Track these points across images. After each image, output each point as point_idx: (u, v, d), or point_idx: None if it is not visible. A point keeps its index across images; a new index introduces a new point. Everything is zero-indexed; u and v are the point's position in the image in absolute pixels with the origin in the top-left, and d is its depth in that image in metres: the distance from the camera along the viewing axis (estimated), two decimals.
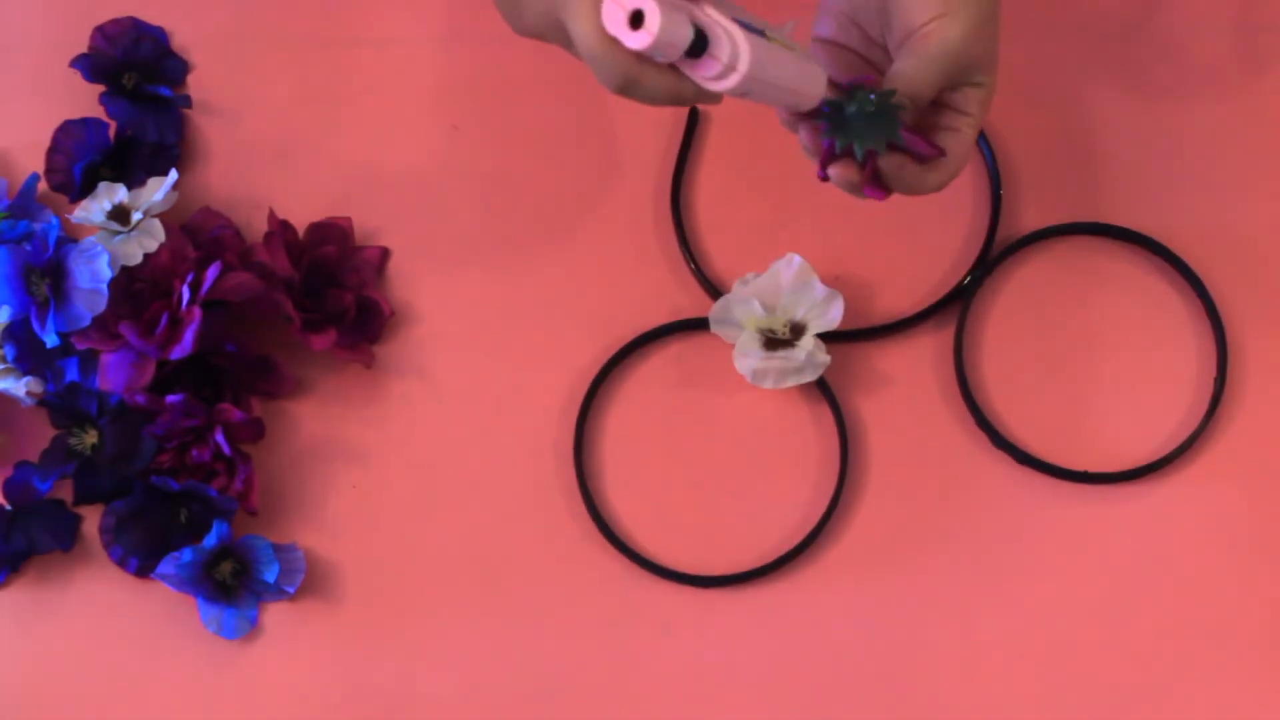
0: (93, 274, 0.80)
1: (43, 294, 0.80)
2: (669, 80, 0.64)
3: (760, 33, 0.64)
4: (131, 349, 0.81)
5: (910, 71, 0.70)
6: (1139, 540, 0.83)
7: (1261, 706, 0.81)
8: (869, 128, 0.69)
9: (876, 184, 0.71)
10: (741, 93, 0.64)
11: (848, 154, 0.70)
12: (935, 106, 0.72)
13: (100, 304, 0.80)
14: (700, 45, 0.63)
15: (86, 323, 0.80)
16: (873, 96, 0.69)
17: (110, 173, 0.88)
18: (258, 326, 0.86)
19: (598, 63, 0.63)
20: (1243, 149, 0.89)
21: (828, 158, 0.71)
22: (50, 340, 0.80)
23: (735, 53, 0.63)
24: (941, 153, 0.71)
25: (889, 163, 0.70)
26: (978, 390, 0.85)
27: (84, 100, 0.89)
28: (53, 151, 0.88)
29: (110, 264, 0.80)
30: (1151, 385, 0.85)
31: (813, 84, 0.68)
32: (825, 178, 0.72)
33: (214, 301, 0.81)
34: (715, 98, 0.65)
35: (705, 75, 0.63)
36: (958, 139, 0.72)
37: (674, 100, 0.65)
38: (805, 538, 0.83)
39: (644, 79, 0.63)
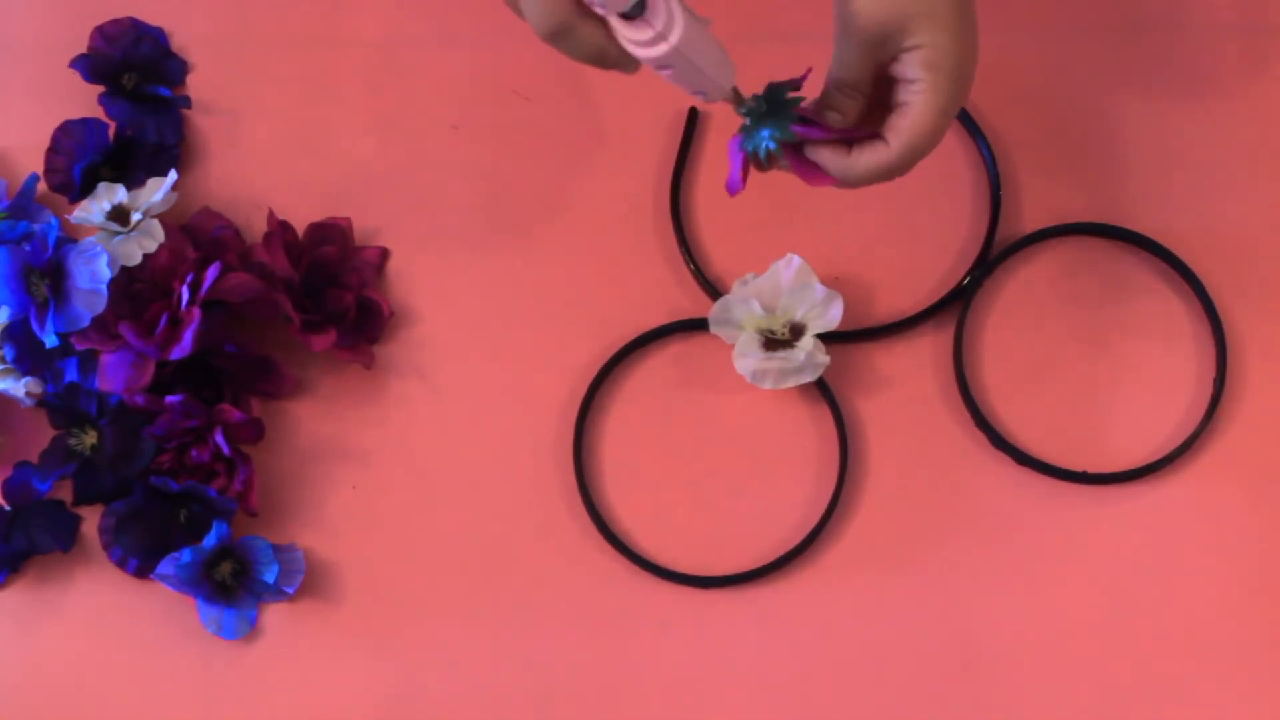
0: (92, 274, 0.80)
1: (42, 294, 0.80)
2: (598, 37, 0.65)
3: (695, 18, 0.66)
4: (131, 349, 0.81)
5: (835, 56, 0.69)
6: (1139, 540, 0.83)
7: (1261, 706, 0.81)
8: (766, 127, 0.69)
9: (813, 173, 0.71)
10: (662, 65, 0.66)
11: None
12: (889, 83, 0.70)
13: (100, 304, 0.80)
14: (640, 7, 0.65)
15: (86, 323, 0.80)
16: (762, 94, 0.69)
17: (110, 173, 0.88)
18: (258, 327, 0.86)
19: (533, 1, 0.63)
20: (1243, 149, 0.89)
21: (743, 164, 0.71)
22: (50, 341, 0.80)
23: (670, 23, 0.65)
24: (840, 130, 0.70)
25: (817, 153, 0.70)
26: (977, 390, 0.85)
27: (84, 100, 0.89)
28: (52, 152, 0.88)
29: (110, 264, 0.80)
30: (1151, 385, 0.85)
31: (726, 75, 0.69)
32: (737, 187, 0.71)
33: (214, 302, 0.81)
34: (634, 66, 0.66)
35: (636, 39, 0.65)
36: (904, 112, 0.69)
37: (597, 59, 0.66)
38: (805, 538, 0.83)
39: (577, 29, 0.64)
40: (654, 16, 0.65)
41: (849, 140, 0.70)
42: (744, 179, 0.71)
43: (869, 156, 0.69)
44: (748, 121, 0.70)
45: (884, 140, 0.69)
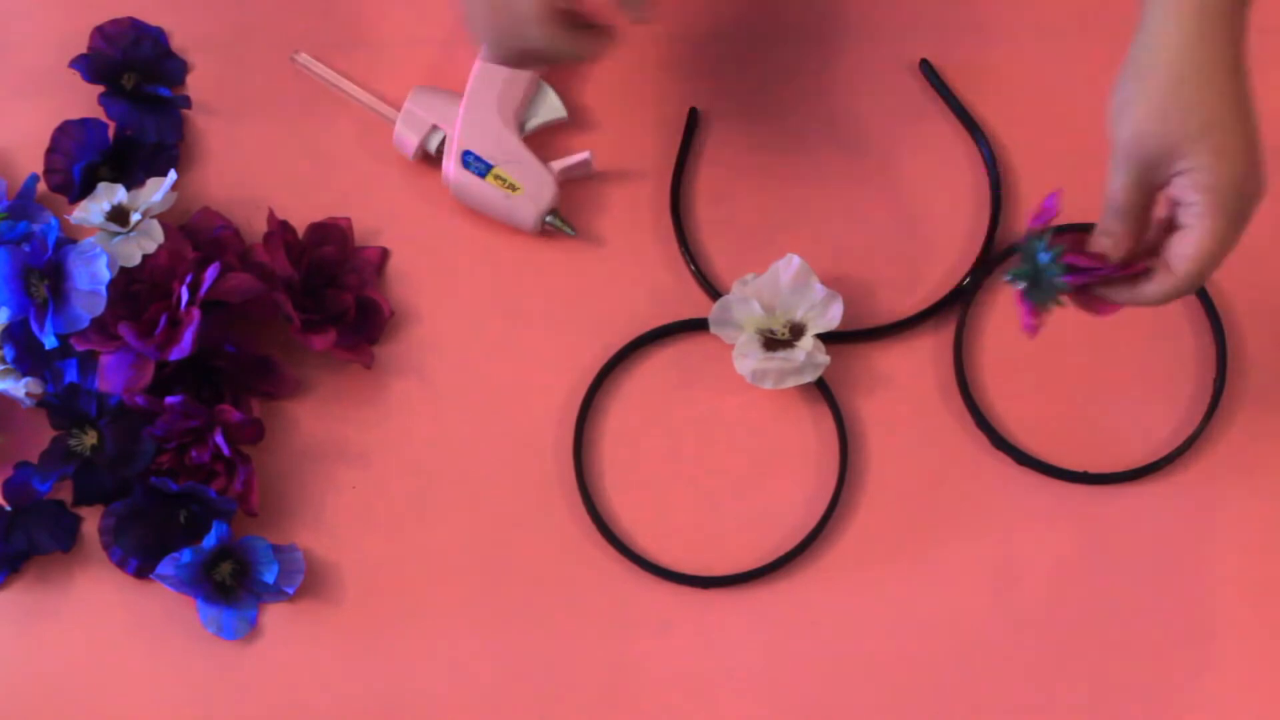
0: (91, 275, 0.79)
1: (41, 295, 0.80)
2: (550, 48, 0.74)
3: (488, 168, 0.85)
4: (130, 350, 0.81)
5: (1109, 180, 0.70)
6: (1139, 540, 0.83)
7: (1261, 706, 0.81)
8: (1041, 279, 0.72)
9: (1102, 305, 0.73)
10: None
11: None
12: (1170, 204, 0.70)
13: (99, 305, 0.80)
14: (438, 154, 0.87)
15: (85, 324, 0.80)
16: (1023, 251, 0.72)
17: (109, 173, 0.87)
18: (258, 327, 0.86)
19: None
20: None
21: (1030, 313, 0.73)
22: (49, 341, 0.80)
23: (447, 173, 0.86)
24: (1112, 267, 0.71)
25: (1102, 291, 0.72)
26: (978, 390, 0.85)
27: (83, 100, 0.89)
28: (52, 152, 0.88)
29: (109, 265, 0.80)
30: (1151, 385, 0.85)
31: (519, 220, 0.86)
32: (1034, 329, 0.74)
33: (213, 302, 0.81)
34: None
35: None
36: (1185, 238, 0.68)
37: (552, 59, 0.78)
38: (805, 538, 0.83)
39: (528, 57, 0.77)
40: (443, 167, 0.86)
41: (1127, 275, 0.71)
42: (1036, 321, 0.73)
43: (1155, 287, 0.70)
44: (1027, 270, 0.72)
45: (1166, 268, 0.69)
